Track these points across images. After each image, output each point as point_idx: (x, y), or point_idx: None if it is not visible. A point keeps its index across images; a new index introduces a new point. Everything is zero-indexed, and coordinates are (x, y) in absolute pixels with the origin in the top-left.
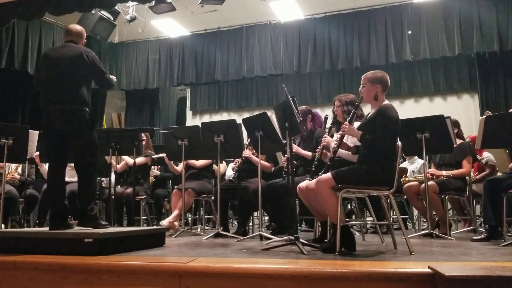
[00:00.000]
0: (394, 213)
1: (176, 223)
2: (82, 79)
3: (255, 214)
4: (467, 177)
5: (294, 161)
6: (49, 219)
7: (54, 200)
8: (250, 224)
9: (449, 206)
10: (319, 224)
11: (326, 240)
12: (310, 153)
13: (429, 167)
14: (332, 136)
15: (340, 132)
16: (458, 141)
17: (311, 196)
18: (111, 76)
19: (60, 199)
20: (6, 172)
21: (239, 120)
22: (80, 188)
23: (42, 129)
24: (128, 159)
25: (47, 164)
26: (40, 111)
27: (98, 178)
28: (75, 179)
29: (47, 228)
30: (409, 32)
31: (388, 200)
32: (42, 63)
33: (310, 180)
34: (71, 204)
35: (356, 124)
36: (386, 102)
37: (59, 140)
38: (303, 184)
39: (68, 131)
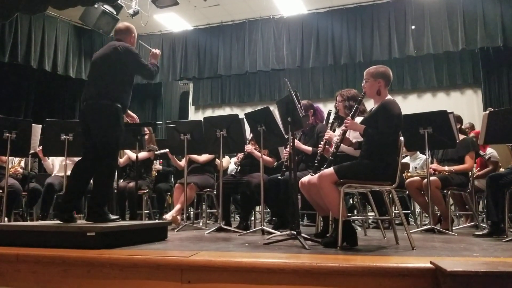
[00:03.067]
0: (396, 208)
1: (178, 217)
2: (116, 74)
3: (257, 208)
4: (470, 172)
5: (296, 156)
6: (59, 204)
7: (70, 189)
8: (252, 218)
9: (451, 201)
10: (321, 219)
11: (328, 235)
12: (310, 148)
13: (432, 163)
14: (334, 131)
15: (343, 127)
16: (461, 137)
17: (313, 190)
18: (154, 50)
19: (75, 189)
20: (9, 166)
21: (241, 115)
22: (94, 186)
23: (78, 123)
24: (130, 154)
25: (51, 158)
26: (43, 105)
27: None
28: None
29: (49, 222)
30: (413, 27)
31: (390, 195)
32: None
33: (313, 175)
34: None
35: (358, 119)
36: (389, 97)
37: (89, 134)
38: (305, 179)
39: (92, 125)
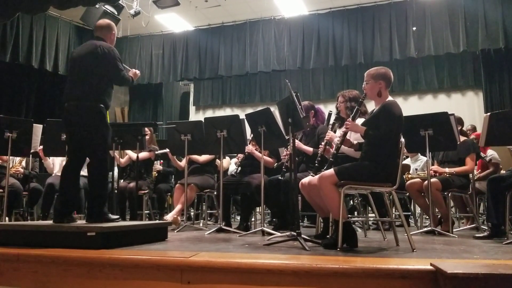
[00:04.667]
0: (397, 210)
1: (178, 218)
2: (98, 74)
3: (257, 209)
4: (470, 174)
5: (296, 157)
6: (54, 210)
7: (64, 192)
8: (252, 219)
9: (452, 203)
10: (321, 220)
11: (328, 236)
12: (311, 149)
13: (432, 164)
14: (335, 132)
15: (343, 129)
16: (462, 138)
17: (313, 192)
18: (134, 70)
19: (70, 192)
20: (10, 166)
21: (242, 116)
22: (90, 188)
23: (62, 124)
24: (131, 154)
25: (51, 158)
26: (44, 105)
27: None
28: (83, 173)
29: (50, 222)
30: (414, 28)
31: (391, 196)
32: (69, 61)
33: (313, 176)
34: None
35: (360, 121)
36: (390, 98)
37: (75, 136)
38: (305, 180)
39: (79, 127)
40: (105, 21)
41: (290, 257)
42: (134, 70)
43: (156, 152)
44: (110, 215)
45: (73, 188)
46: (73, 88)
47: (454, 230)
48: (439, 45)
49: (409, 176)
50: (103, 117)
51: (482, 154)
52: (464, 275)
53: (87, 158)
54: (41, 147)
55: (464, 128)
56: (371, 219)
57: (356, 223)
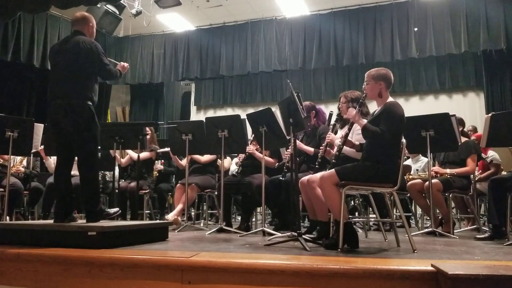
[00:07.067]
0: (397, 211)
1: (179, 218)
2: (83, 71)
3: (258, 209)
4: (471, 175)
5: (297, 158)
6: (54, 212)
7: (60, 194)
8: (253, 219)
9: (453, 204)
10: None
11: (325, 238)
12: (312, 149)
13: (433, 165)
14: (335, 133)
15: (345, 130)
16: (463, 139)
17: (309, 190)
18: (122, 63)
19: (65, 192)
20: (11, 165)
21: (243, 116)
22: (83, 187)
23: (47, 123)
24: (132, 154)
25: (52, 157)
26: (45, 104)
27: (102, 171)
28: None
29: (51, 221)
30: (415, 29)
31: (392, 197)
32: (49, 57)
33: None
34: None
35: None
36: (391, 99)
37: (64, 134)
38: (305, 178)
39: (69, 126)
40: (80, 13)
41: (291, 257)
42: (122, 63)
43: (158, 150)
44: (108, 210)
45: (69, 188)
46: (59, 86)
47: (455, 231)
48: (441, 46)
49: (410, 176)
50: (93, 115)
51: (483, 155)
52: (465, 276)
53: (76, 157)
54: (42, 146)
55: (465, 129)
56: (372, 219)
57: (357, 223)
